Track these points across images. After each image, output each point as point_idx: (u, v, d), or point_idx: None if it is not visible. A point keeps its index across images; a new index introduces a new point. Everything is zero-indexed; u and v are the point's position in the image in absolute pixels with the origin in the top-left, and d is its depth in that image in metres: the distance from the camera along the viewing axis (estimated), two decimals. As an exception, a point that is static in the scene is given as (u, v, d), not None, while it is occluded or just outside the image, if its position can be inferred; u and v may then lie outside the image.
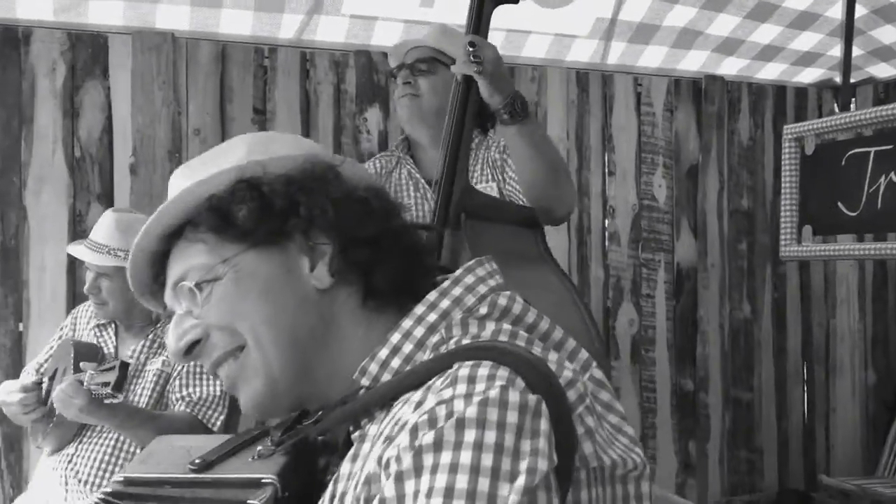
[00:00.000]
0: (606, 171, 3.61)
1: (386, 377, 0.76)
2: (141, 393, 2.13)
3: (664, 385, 3.66)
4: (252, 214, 0.79)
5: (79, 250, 2.14)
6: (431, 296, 0.79)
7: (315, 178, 0.81)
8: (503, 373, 0.65)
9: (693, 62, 3.61)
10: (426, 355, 0.75)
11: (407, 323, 0.78)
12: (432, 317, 0.77)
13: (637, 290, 3.63)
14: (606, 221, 3.62)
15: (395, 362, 0.76)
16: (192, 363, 2.09)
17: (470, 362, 0.66)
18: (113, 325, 2.25)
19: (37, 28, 2.78)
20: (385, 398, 0.72)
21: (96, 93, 2.85)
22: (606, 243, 3.61)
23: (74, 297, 2.81)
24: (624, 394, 3.56)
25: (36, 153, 2.78)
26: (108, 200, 2.85)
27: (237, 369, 0.81)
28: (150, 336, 2.20)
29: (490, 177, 1.86)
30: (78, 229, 2.82)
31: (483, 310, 0.77)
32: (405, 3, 3.06)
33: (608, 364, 1.44)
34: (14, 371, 2.74)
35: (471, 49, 1.56)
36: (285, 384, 0.79)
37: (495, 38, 3.31)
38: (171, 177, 0.89)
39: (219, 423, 2.08)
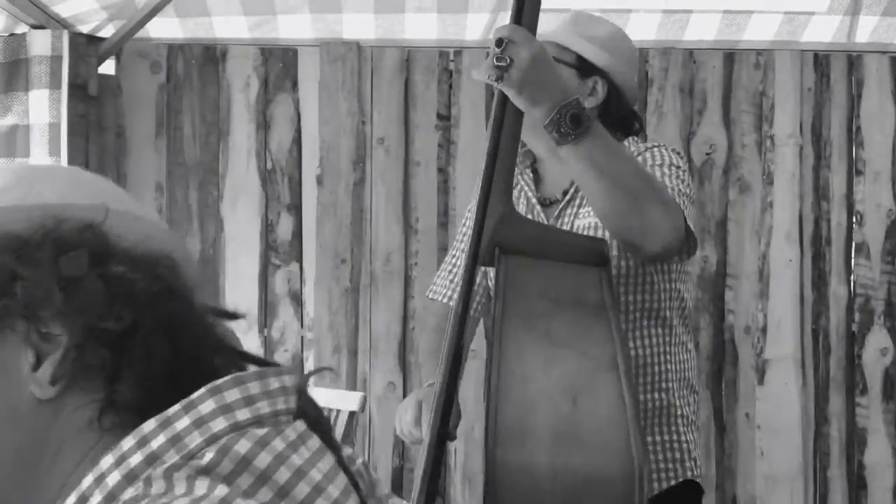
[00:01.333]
0: (854, 169, 3.03)
1: None
2: None
3: (928, 429, 3.00)
4: None
5: None
6: (148, 425, 0.55)
7: (53, 242, 0.57)
8: None
9: (972, 33, 2.92)
10: None
11: (106, 462, 0.54)
12: (136, 459, 0.53)
13: (892, 313, 3.01)
14: (853, 230, 3.04)
15: None
16: None
17: None
18: None
19: (232, 45, 2.89)
20: None
21: (286, 105, 2.91)
22: (852, 256, 3.04)
23: (266, 306, 2.91)
24: (872, 436, 2.98)
25: (231, 166, 2.90)
26: (297, 211, 2.90)
27: None
28: None
29: None
30: (269, 239, 2.91)
31: (208, 457, 0.52)
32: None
33: (642, 483, 1.05)
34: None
35: (496, 50, 1.20)
36: None
37: (710, 21, 2.94)
38: None
39: None
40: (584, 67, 1.57)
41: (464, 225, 1.78)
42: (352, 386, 2.86)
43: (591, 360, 1.14)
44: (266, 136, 2.90)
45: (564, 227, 1.55)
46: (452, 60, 2.94)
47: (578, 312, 1.20)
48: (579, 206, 1.56)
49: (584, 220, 1.55)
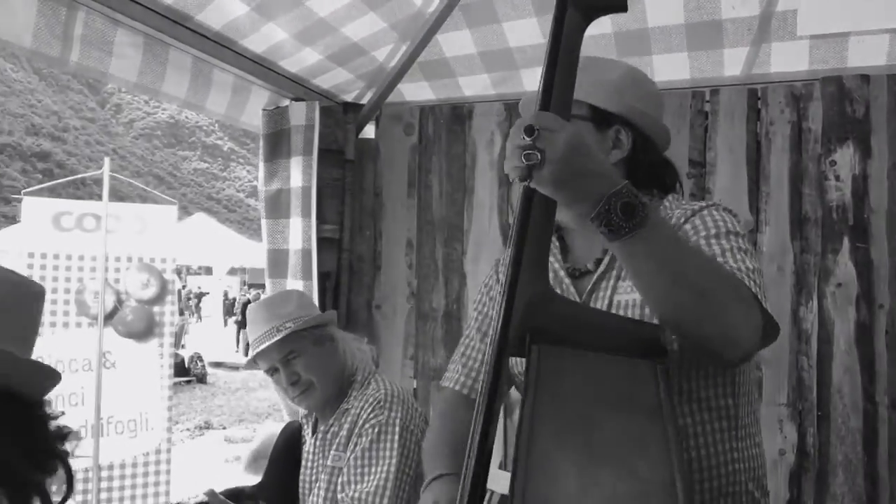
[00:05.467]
0: None
1: None
2: (317, 496, 1.95)
3: None
4: None
5: (258, 350, 1.96)
6: None
7: None
8: None
9: None
10: None
11: None
12: None
13: None
14: None
15: None
16: (359, 451, 1.86)
17: None
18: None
19: (478, 103, 2.92)
20: None
21: (530, 159, 2.84)
22: None
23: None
24: None
25: (475, 222, 2.90)
26: (538, 267, 2.80)
27: None
28: (333, 419, 1.98)
29: None
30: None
31: None
32: (885, 8, 2.31)
33: None
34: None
35: (525, 140, 0.96)
36: None
37: None
38: None
39: None
40: (601, 118, 1.31)
41: (478, 302, 1.54)
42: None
43: (641, 482, 0.87)
44: (508, 191, 2.87)
45: (600, 303, 1.28)
46: (708, 101, 2.65)
47: (627, 419, 0.93)
48: (618, 279, 1.28)
49: (626, 296, 1.25)
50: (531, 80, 2.82)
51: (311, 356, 1.97)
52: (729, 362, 1.15)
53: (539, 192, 1.01)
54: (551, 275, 1.37)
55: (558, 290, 1.35)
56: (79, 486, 3.65)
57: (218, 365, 15.35)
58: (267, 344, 1.93)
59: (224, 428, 9.34)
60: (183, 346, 15.02)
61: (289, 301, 2.03)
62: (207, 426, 9.39)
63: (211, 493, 1.81)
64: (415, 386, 2.97)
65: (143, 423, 3.83)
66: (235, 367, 15.41)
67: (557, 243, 1.40)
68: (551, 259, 1.37)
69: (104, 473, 3.71)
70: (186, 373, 12.54)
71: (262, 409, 10.69)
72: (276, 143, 2.80)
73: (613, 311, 1.26)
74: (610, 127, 1.31)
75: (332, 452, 1.96)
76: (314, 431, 2.06)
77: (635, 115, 1.33)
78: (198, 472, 7.07)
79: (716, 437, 1.24)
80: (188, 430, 9.15)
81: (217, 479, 6.50)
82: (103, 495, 3.70)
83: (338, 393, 2.01)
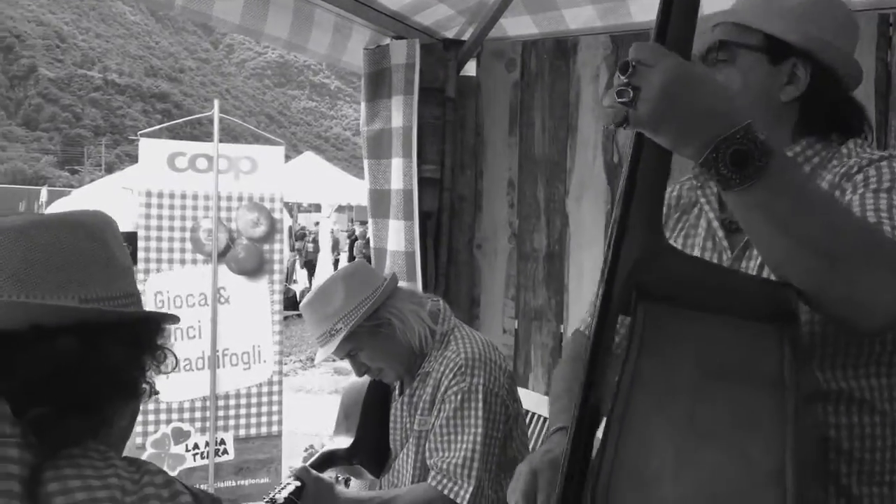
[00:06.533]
0: None
1: None
2: (406, 457, 1.95)
3: None
4: None
5: (322, 354, 1.96)
6: None
7: None
8: None
9: None
10: None
11: None
12: None
13: None
14: None
15: None
16: (443, 418, 1.84)
17: None
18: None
19: (583, 36, 2.80)
20: None
21: (636, 95, 2.72)
22: None
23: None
24: None
25: (578, 160, 2.83)
26: (643, 207, 2.72)
27: None
28: (416, 382, 1.95)
29: None
30: (615, 236, 2.77)
31: None
32: None
33: None
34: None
35: (621, 77, 0.88)
36: None
37: None
38: None
39: (467, 497, 1.77)
40: (776, 49, 1.17)
41: None
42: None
43: (748, 465, 0.78)
44: (613, 129, 2.77)
45: (753, 262, 1.14)
46: (892, 24, 2.44)
47: (742, 391, 0.83)
48: None
49: None
50: (640, 9, 2.68)
51: (371, 348, 1.94)
52: (865, 332, 1.02)
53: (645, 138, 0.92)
54: (704, 225, 1.27)
55: (709, 244, 1.24)
56: (197, 414, 3.87)
57: (328, 299, 15.69)
58: (325, 354, 1.94)
59: (334, 360, 9.66)
60: (295, 282, 15.52)
61: (334, 294, 1.92)
62: (318, 358, 9.74)
63: (303, 471, 1.83)
64: (515, 326, 2.97)
65: (255, 356, 4.00)
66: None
67: (715, 188, 1.26)
68: (706, 207, 1.27)
69: (220, 402, 3.91)
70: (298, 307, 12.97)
71: (369, 342, 10.97)
72: (378, 83, 2.79)
73: (766, 272, 1.10)
74: (786, 59, 1.18)
75: (417, 416, 1.94)
76: (401, 392, 2.06)
77: (818, 47, 1.18)
78: (308, 402, 7.38)
79: (862, 431, 1.10)
80: (300, 361, 9.53)
81: (326, 410, 6.76)
82: (220, 423, 3.90)
83: (414, 361, 1.97)
